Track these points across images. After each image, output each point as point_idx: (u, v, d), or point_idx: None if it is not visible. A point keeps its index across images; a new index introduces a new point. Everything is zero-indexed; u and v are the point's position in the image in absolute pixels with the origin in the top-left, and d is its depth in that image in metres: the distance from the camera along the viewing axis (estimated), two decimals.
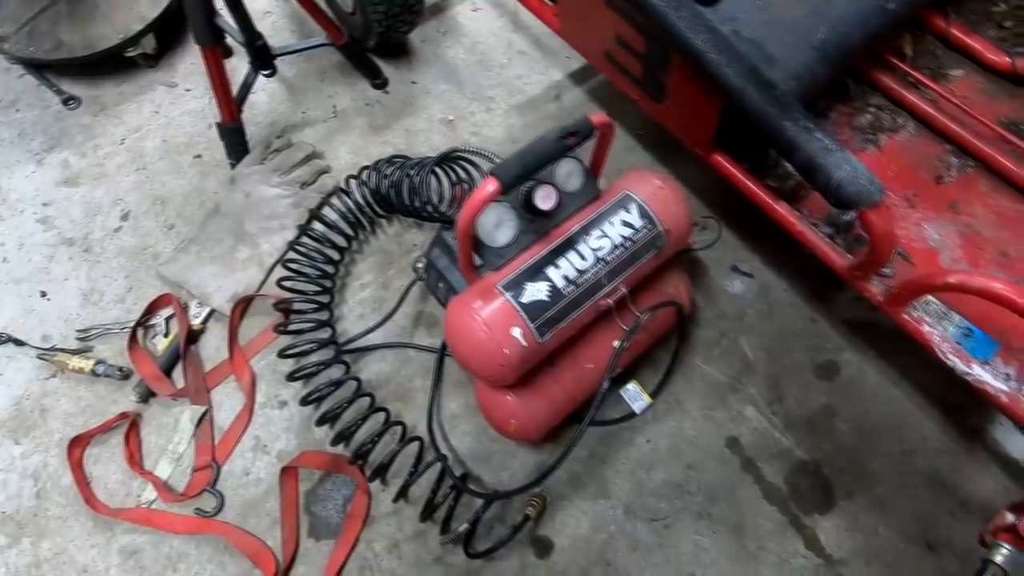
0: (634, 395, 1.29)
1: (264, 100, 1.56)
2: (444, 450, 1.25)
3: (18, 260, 1.37)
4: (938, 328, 0.98)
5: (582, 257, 0.97)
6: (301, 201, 1.39)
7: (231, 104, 1.27)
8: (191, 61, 1.58)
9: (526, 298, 0.93)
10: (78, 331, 1.30)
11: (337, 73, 1.59)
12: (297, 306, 1.28)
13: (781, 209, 1.09)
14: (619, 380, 1.31)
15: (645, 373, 1.32)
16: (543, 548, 1.19)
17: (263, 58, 1.35)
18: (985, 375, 0.94)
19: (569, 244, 0.98)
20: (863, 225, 0.87)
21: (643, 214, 1.01)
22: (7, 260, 1.38)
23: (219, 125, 1.31)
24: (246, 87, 1.34)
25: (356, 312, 1.37)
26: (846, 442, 1.29)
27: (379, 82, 1.57)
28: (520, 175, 0.84)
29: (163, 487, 1.18)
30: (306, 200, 1.39)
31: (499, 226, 0.97)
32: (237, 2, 1.22)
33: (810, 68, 0.98)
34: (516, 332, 0.92)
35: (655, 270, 1.11)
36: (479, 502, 1.12)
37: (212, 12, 1.15)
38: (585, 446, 1.27)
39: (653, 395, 1.30)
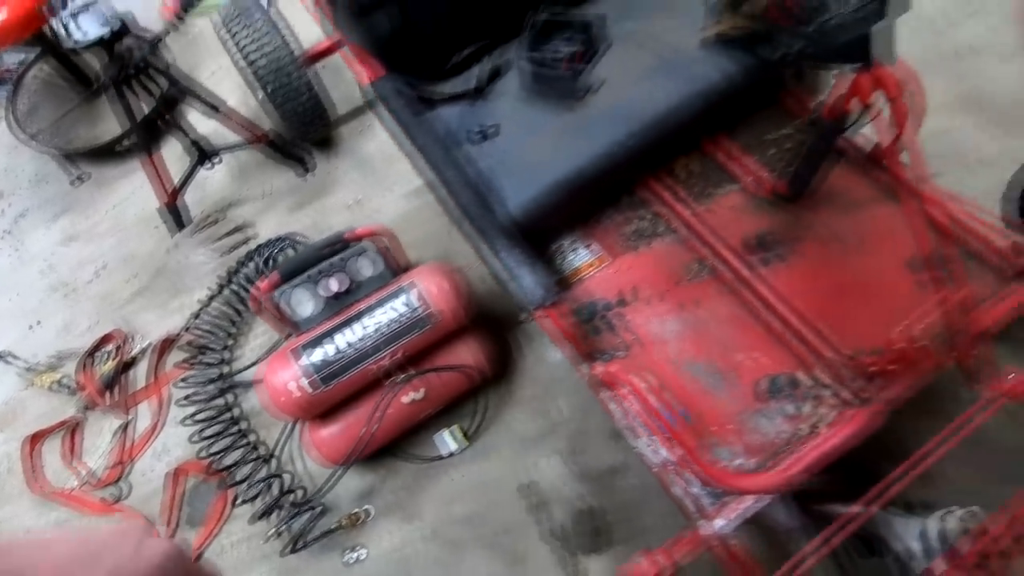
0: (448, 440, 1.57)
1: (218, 179, 2.01)
2: (299, 470, 1.59)
3: (24, 299, 1.86)
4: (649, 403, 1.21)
5: (361, 329, 1.29)
6: (222, 265, 1.80)
7: (166, 192, 1.70)
8: (164, 151, 2.06)
9: (310, 357, 1.26)
10: (51, 355, 1.75)
11: (275, 162, 2.01)
12: (207, 345, 1.68)
13: None
14: (439, 425, 1.59)
15: (469, 420, 1.60)
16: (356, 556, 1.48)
17: (204, 154, 1.79)
18: (646, 449, 1.17)
19: (354, 318, 1.30)
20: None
21: (419, 298, 1.32)
22: (20, 295, 1.88)
23: (161, 207, 1.74)
24: (188, 176, 1.77)
25: (254, 354, 1.74)
26: (629, 497, 1.50)
27: (305, 169, 1.97)
28: (293, 271, 1.19)
29: (87, 477, 1.58)
30: (226, 265, 1.80)
31: (306, 302, 1.32)
32: (174, 118, 1.66)
33: (537, 201, 1.26)
34: (298, 383, 1.25)
35: (443, 339, 1.40)
36: (313, 512, 1.45)
37: (147, 133, 1.59)
38: (407, 477, 1.56)
39: (468, 440, 1.57)
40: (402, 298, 1.31)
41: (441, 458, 1.55)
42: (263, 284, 1.20)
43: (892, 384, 1.12)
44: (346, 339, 1.28)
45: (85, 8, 1.38)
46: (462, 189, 1.20)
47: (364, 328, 1.30)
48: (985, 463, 1.40)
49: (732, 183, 1.47)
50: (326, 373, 1.26)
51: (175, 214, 1.75)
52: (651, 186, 1.47)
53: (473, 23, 1.43)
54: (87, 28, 1.38)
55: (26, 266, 1.92)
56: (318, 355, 1.27)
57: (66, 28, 1.38)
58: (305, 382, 1.25)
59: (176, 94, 1.64)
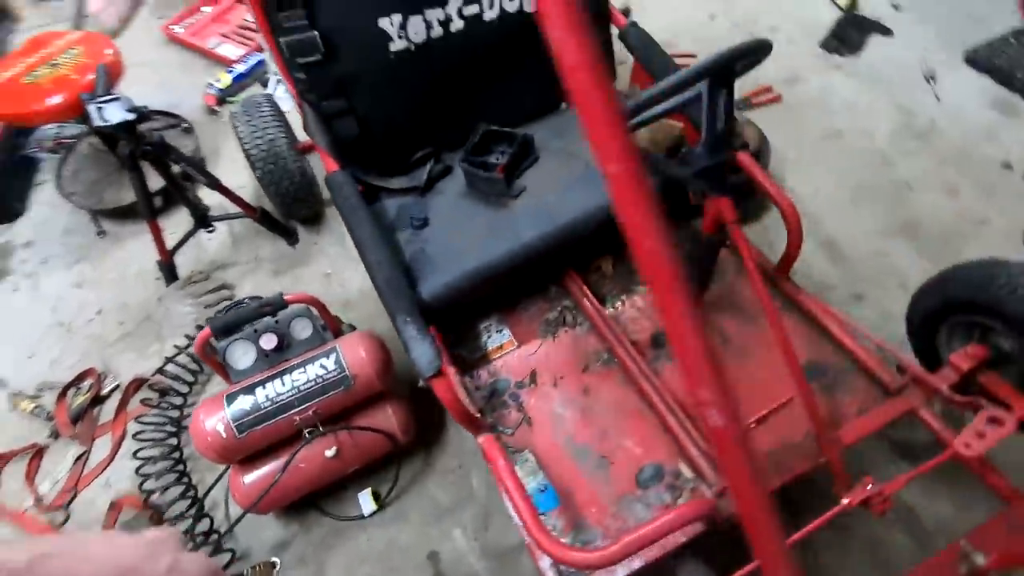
0: (365, 501, 1.66)
1: (216, 243, 2.27)
2: (227, 512, 1.69)
3: (28, 332, 2.11)
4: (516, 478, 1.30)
5: (283, 384, 1.44)
6: (202, 317, 2.01)
7: (165, 250, 1.96)
8: (176, 213, 2.35)
9: (233, 406, 1.41)
10: (39, 384, 1.96)
11: (267, 232, 2.26)
12: (171, 388, 1.85)
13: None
14: (364, 484, 1.69)
15: (387, 484, 1.69)
16: None
17: (203, 220, 2.05)
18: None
19: (280, 375, 1.45)
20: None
21: (337, 362, 1.47)
22: (27, 328, 2.12)
23: (158, 262, 1.99)
24: (186, 238, 2.03)
25: None
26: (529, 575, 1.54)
27: (291, 241, 2.21)
28: (225, 328, 1.37)
29: (37, 499, 1.73)
30: (206, 317, 2.01)
31: (243, 356, 1.49)
32: (180, 190, 1.94)
33: (450, 286, 1.43)
34: (219, 427, 1.39)
35: (361, 402, 1.53)
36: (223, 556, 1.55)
37: (163, 200, 1.86)
38: (322, 533, 1.65)
39: (383, 503, 1.66)
40: (324, 360, 1.47)
41: (355, 518, 1.63)
42: (199, 336, 1.38)
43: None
44: (268, 392, 1.43)
45: (112, 98, 1.69)
46: (379, 265, 1.37)
47: (286, 384, 1.44)
48: (860, 554, 1.43)
49: (640, 285, 1.61)
50: (245, 421, 1.41)
51: (169, 270, 1.99)
52: (569, 282, 1.62)
53: (424, 133, 1.67)
54: (112, 114, 1.68)
55: (38, 304, 2.18)
56: (241, 404, 1.41)
57: (98, 111, 1.70)
58: (225, 427, 1.39)
59: (185, 170, 1.93)
